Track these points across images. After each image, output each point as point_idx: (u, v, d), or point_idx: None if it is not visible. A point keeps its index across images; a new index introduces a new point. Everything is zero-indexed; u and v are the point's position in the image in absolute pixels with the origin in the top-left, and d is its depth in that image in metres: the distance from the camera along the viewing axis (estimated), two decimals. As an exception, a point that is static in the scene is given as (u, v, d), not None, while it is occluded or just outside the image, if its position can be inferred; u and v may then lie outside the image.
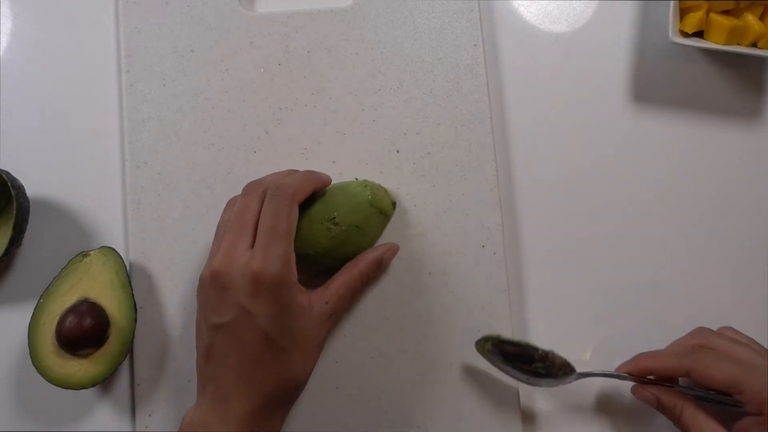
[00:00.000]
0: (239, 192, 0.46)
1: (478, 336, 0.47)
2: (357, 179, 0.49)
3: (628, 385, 0.48)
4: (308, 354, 0.43)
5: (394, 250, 0.48)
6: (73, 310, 0.46)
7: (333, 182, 0.49)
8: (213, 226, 0.46)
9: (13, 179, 0.48)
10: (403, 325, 0.49)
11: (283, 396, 0.43)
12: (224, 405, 0.41)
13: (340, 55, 0.52)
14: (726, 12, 0.50)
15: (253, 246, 0.42)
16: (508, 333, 0.48)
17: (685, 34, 0.51)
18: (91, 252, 0.48)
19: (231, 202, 0.47)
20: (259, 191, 0.44)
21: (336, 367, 0.48)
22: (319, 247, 0.46)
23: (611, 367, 0.47)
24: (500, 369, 0.46)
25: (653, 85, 0.53)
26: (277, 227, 0.42)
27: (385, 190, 0.49)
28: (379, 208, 0.47)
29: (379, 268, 0.48)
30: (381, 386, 0.48)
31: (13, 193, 0.47)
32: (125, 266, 0.48)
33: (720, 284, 0.51)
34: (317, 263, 0.47)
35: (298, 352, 0.43)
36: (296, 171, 0.48)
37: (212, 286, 0.42)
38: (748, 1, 0.50)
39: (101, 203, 0.51)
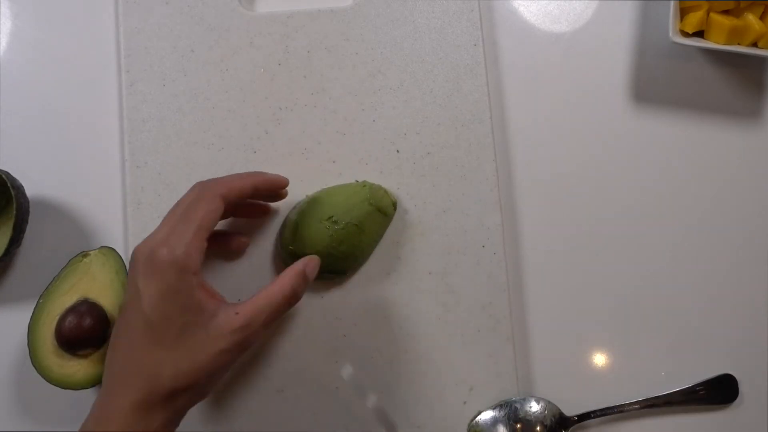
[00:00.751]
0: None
1: (479, 336, 0.47)
2: (357, 181, 0.49)
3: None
4: (194, 359, 0.39)
5: (315, 261, 0.45)
6: (73, 310, 0.46)
7: (333, 183, 0.49)
8: (213, 226, 0.46)
9: (13, 179, 0.48)
10: (403, 325, 0.49)
11: (155, 396, 0.38)
12: (107, 400, 0.39)
13: (340, 55, 0.52)
14: (726, 12, 0.50)
15: None
16: (508, 333, 0.48)
17: (685, 34, 0.51)
18: (91, 252, 0.48)
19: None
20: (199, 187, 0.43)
21: (336, 367, 0.48)
22: (319, 247, 0.46)
23: (610, 371, 0.47)
24: None
25: (653, 85, 0.53)
26: (190, 214, 0.40)
27: (385, 190, 0.49)
28: (378, 207, 0.47)
29: (305, 281, 0.44)
30: (381, 386, 0.48)
31: (12, 193, 0.46)
32: (125, 266, 0.48)
33: (719, 284, 0.51)
34: (320, 264, 0.47)
35: (178, 351, 0.39)
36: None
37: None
38: (749, 0, 0.50)
39: (101, 203, 0.51)
